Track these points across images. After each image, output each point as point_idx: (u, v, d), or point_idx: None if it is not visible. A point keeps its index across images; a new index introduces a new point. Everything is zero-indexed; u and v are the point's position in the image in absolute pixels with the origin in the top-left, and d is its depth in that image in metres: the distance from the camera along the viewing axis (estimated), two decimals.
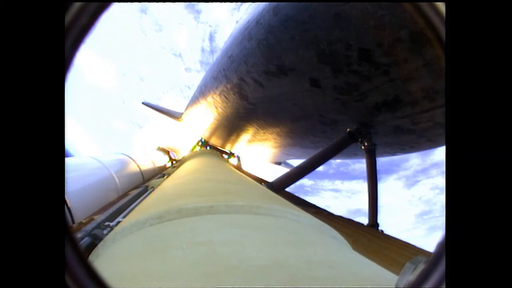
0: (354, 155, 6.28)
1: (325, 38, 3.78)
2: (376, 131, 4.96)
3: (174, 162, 9.20)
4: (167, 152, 10.15)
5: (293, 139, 7.31)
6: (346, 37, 3.60)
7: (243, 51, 5.27)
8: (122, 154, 6.18)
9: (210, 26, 18.30)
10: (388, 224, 4.88)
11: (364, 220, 4.94)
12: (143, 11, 17.92)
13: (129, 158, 6.00)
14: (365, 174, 5.18)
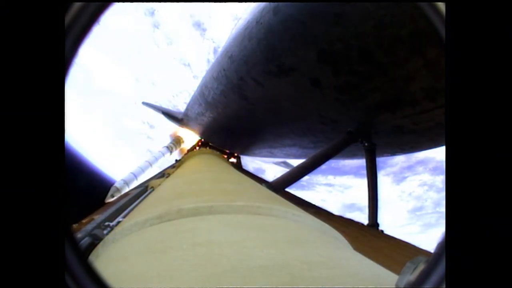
0: (354, 155, 6.27)
1: (325, 38, 3.78)
2: (376, 131, 4.95)
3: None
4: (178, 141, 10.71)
5: (293, 139, 7.29)
6: (346, 37, 3.60)
7: (243, 51, 5.26)
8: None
9: (214, 42, 21.01)
10: (383, 220, 4.91)
11: (360, 215, 4.95)
12: (156, 26, 21.04)
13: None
14: (354, 169, 5.22)
